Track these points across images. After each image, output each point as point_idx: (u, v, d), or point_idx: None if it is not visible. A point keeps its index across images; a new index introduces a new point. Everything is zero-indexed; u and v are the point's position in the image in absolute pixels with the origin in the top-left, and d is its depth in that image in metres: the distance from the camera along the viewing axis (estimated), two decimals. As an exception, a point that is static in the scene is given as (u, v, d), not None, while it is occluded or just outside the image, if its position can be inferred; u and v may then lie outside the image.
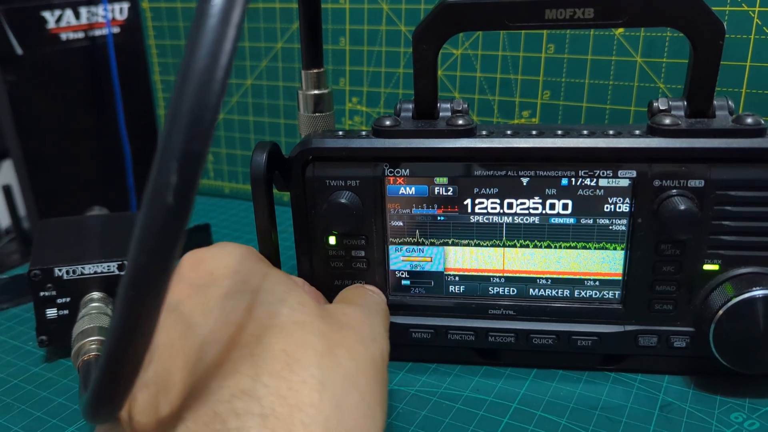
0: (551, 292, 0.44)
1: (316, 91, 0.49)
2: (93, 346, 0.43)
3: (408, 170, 0.43)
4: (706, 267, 0.41)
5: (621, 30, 0.56)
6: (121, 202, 1.05)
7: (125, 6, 1.07)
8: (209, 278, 0.32)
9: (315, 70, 0.49)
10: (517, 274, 0.44)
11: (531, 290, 0.45)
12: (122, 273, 0.48)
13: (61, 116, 1.01)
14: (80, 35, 1.02)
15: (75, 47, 1.02)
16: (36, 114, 0.98)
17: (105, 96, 1.04)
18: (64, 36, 1.01)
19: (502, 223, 0.43)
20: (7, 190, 1.19)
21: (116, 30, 1.06)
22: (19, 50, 0.95)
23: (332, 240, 0.45)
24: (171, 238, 0.22)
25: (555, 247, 0.43)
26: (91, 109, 1.05)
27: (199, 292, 0.31)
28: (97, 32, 1.04)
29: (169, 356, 0.28)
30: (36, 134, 0.98)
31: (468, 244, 0.44)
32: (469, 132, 0.42)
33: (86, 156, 1.05)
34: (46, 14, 0.98)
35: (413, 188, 0.43)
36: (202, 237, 0.68)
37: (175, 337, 0.29)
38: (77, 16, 1.01)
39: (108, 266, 0.48)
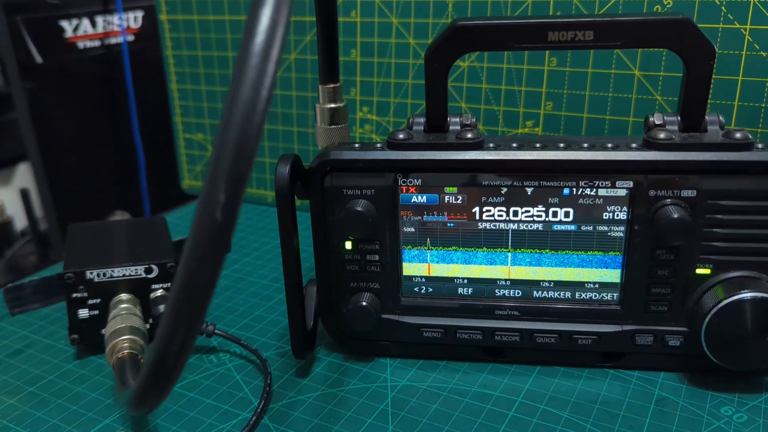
0: (554, 295, 0.47)
1: (332, 105, 0.52)
2: (126, 345, 0.46)
3: (420, 180, 0.46)
4: (699, 271, 0.44)
5: (620, 45, 0.59)
6: (135, 206, 1.08)
7: (140, 15, 1.10)
8: None
9: (331, 85, 0.52)
10: (522, 278, 0.47)
11: (535, 292, 0.47)
12: (149, 276, 0.52)
13: (79, 122, 1.04)
14: (97, 43, 1.06)
15: (92, 55, 1.05)
16: (54, 120, 1.01)
17: (121, 102, 1.07)
18: (81, 44, 1.04)
19: (508, 230, 0.46)
20: (25, 194, 1.22)
21: (131, 38, 1.09)
22: (38, 58, 0.98)
23: (348, 245, 0.48)
24: (219, 249, 0.26)
25: (557, 252, 0.46)
26: (107, 114, 1.08)
27: None
28: (113, 40, 1.08)
29: None
30: (54, 139, 1.01)
31: (476, 249, 0.47)
32: (477, 145, 0.45)
33: (102, 161, 1.08)
34: (64, 23, 1.02)
35: (425, 197, 0.46)
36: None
37: None
38: (93, 24, 1.04)
39: (136, 269, 0.51)
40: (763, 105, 0.55)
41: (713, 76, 0.55)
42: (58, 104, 1.06)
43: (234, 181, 0.25)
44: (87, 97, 1.09)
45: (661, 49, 0.58)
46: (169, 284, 0.53)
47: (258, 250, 0.70)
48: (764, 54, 0.54)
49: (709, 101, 0.44)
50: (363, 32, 0.70)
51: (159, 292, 0.52)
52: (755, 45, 0.54)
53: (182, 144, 0.88)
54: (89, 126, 1.09)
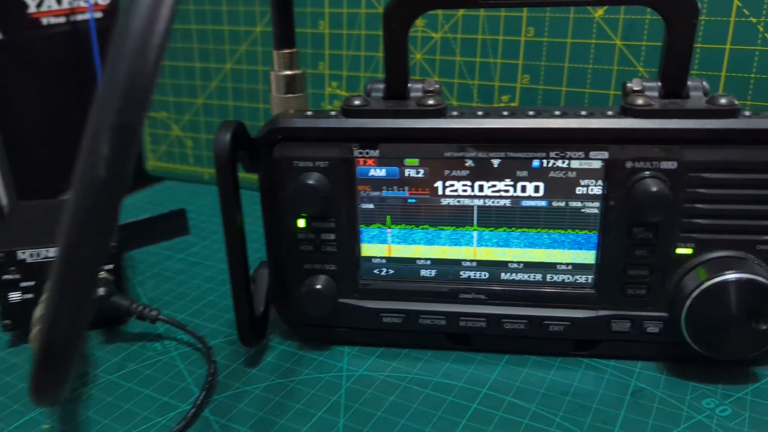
0: (523, 277, 0.44)
1: (288, 72, 0.48)
2: (55, 330, 0.42)
3: (378, 151, 0.42)
4: (680, 251, 0.41)
5: (600, 12, 0.55)
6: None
7: (108, -10, 1.05)
8: None
9: (287, 51, 0.48)
10: (489, 259, 0.44)
11: (502, 274, 0.44)
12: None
13: (42, 101, 0.99)
14: (62, 20, 1.01)
15: (56, 32, 1.00)
16: (16, 98, 0.97)
17: (87, 81, 1.03)
18: (45, 20, 0.99)
19: (473, 206, 0.42)
20: (-12, 177, 1.17)
21: (98, 15, 1.04)
22: (-2, 34, 0.94)
23: (301, 223, 0.44)
24: (104, 213, 0.22)
25: (527, 231, 0.42)
26: (72, 94, 1.03)
27: None
28: (79, 17, 1.03)
29: None
30: (16, 119, 0.97)
31: (439, 228, 0.43)
32: (439, 112, 0.41)
33: (66, 140, 1.04)
34: (27, -2, 0.97)
35: (383, 170, 0.42)
36: (178, 223, 0.67)
37: None
38: (59, 0, 1.00)
39: (75, 250, 0.47)
40: (752, 76, 0.51)
41: (698, 45, 0.51)
42: (21, 82, 1.01)
43: (121, 130, 0.21)
44: (51, 75, 1.04)
45: (644, 17, 0.54)
46: (111, 266, 0.49)
47: (217, 233, 0.66)
48: (754, 20, 0.50)
49: (693, 72, 0.40)
50: (331, 2, 0.66)
51: (101, 274, 0.48)
52: (744, 11, 0.50)
53: (145, 122, 0.84)
54: (54, 105, 1.04)
